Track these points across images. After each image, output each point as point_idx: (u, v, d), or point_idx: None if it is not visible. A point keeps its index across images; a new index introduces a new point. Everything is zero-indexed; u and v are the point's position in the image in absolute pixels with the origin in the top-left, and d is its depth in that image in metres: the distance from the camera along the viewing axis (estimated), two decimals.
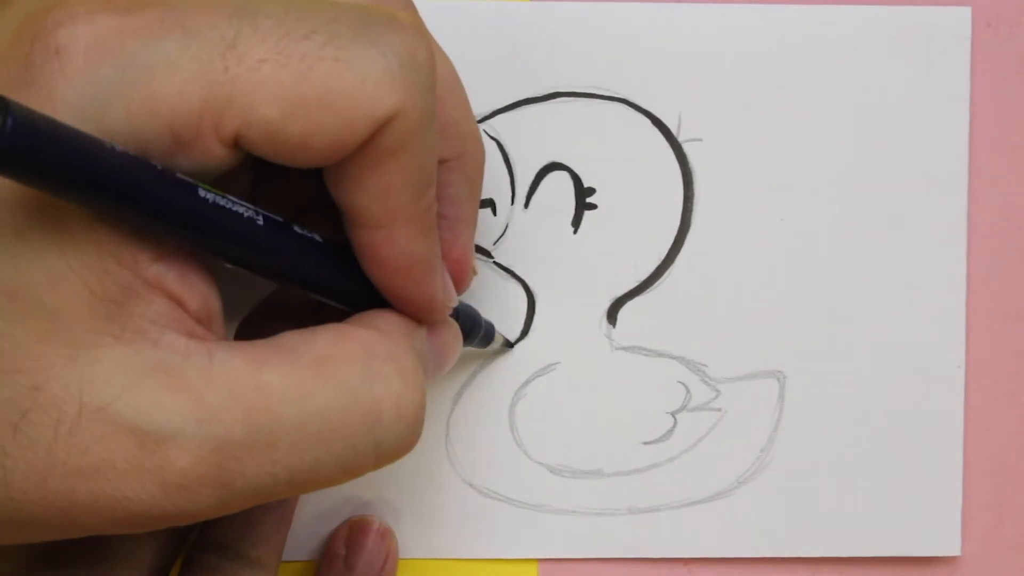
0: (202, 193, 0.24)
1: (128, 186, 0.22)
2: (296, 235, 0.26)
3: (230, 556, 0.31)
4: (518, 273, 0.35)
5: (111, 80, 0.22)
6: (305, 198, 0.29)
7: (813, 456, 0.35)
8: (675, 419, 0.35)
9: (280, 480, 0.24)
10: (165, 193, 0.23)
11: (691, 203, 0.35)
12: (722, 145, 0.35)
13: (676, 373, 0.35)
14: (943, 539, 0.35)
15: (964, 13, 0.34)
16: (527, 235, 0.35)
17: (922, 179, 0.35)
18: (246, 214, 0.24)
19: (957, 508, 0.35)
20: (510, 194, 0.35)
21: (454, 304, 0.28)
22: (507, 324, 0.35)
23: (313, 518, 0.35)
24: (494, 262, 0.35)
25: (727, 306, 0.35)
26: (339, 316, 0.27)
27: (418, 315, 0.27)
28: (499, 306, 0.35)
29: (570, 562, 0.35)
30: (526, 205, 0.35)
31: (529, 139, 0.34)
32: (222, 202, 0.24)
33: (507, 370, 0.35)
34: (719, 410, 0.35)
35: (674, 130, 0.34)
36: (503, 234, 0.35)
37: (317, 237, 0.26)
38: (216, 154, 0.23)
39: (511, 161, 0.35)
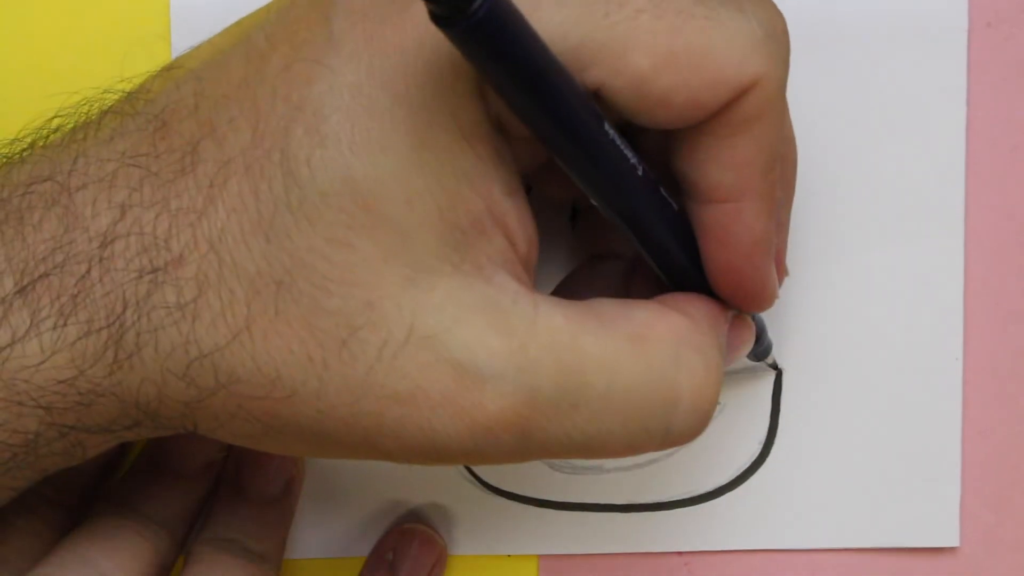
0: (607, 127, 0.23)
1: (554, 90, 0.22)
2: (661, 196, 0.25)
3: (233, 551, 0.31)
4: None
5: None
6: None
7: (811, 449, 0.35)
8: None
9: (574, 443, 0.24)
10: (582, 110, 0.23)
11: None
12: None
13: None
14: (942, 530, 0.35)
15: (960, 3, 0.34)
16: None
17: (919, 173, 0.34)
18: (632, 159, 0.24)
19: (956, 498, 0.35)
20: None
21: (777, 295, 0.28)
22: None
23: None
24: None
25: None
26: (646, 294, 0.27)
27: (744, 299, 0.27)
28: None
29: (570, 557, 0.35)
30: None
31: None
32: (619, 141, 0.24)
33: None
34: (718, 404, 0.35)
35: None
36: None
37: (674, 204, 0.26)
38: None
39: None
